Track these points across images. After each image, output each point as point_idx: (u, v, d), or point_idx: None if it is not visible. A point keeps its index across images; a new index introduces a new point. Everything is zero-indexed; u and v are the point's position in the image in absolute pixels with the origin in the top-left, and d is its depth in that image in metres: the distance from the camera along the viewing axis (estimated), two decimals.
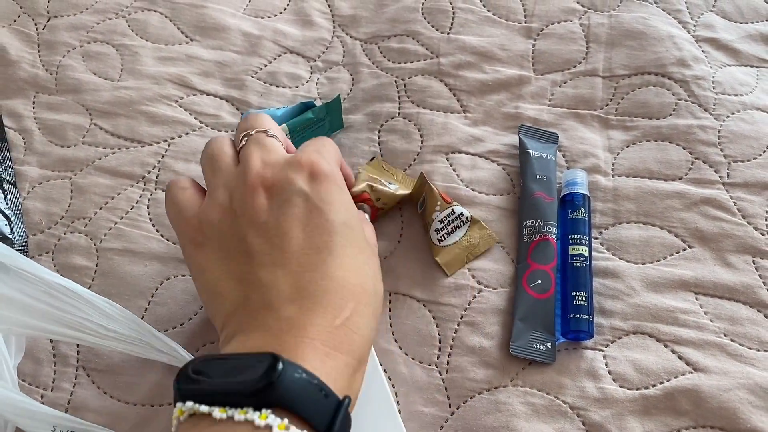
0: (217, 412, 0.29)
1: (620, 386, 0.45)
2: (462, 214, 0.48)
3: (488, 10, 0.59)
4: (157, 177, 0.52)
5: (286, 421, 0.29)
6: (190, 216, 0.38)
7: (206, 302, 0.38)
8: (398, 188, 0.49)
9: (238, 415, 0.29)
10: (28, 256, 0.48)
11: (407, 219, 0.50)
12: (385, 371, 0.45)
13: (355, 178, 0.47)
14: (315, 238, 0.35)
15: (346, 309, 0.33)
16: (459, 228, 0.48)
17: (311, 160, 0.37)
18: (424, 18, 0.58)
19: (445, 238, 0.48)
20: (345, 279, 0.34)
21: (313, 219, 0.35)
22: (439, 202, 0.48)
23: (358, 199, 0.47)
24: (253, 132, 0.39)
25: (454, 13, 0.58)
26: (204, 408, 0.30)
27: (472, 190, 0.51)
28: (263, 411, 0.29)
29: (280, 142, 0.40)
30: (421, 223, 0.49)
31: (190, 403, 0.30)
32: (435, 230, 0.48)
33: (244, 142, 0.39)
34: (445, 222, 0.48)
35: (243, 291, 0.35)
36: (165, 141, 0.53)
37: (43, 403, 0.43)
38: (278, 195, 0.36)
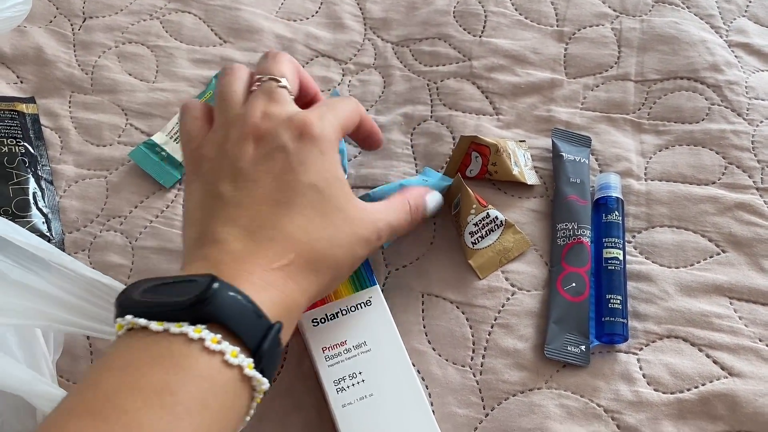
0: (155, 325, 0.31)
1: (655, 390, 0.45)
2: (497, 217, 0.48)
3: (520, 14, 0.59)
4: None
5: (219, 336, 0.31)
6: (193, 147, 0.41)
7: (183, 228, 0.40)
8: (519, 172, 0.50)
9: (174, 327, 0.31)
10: None
11: (440, 221, 0.50)
12: (418, 372, 0.45)
13: (496, 140, 0.50)
14: (279, 193, 0.37)
15: (284, 258, 0.36)
16: (493, 231, 0.48)
17: (305, 120, 0.39)
18: (456, 21, 0.58)
19: (479, 242, 0.48)
20: (292, 234, 0.36)
21: (285, 176, 0.38)
22: (474, 205, 0.48)
23: (476, 148, 0.49)
24: (266, 78, 0.41)
25: (486, 16, 0.58)
26: (142, 321, 0.31)
27: (505, 192, 0.51)
28: (198, 326, 0.31)
29: (290, 92, 0.41)
30: (454, 224, 0.50)
31: (129, 317, 0.32)
32: (469, 233, 0.48)
33: (255, 87, 0.41)
34: (480, 225, 0.48)
35: (205, 225, 0.37)
36: None
37: None
38: (263, 147, 0.38)
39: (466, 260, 0.48)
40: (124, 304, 0.33)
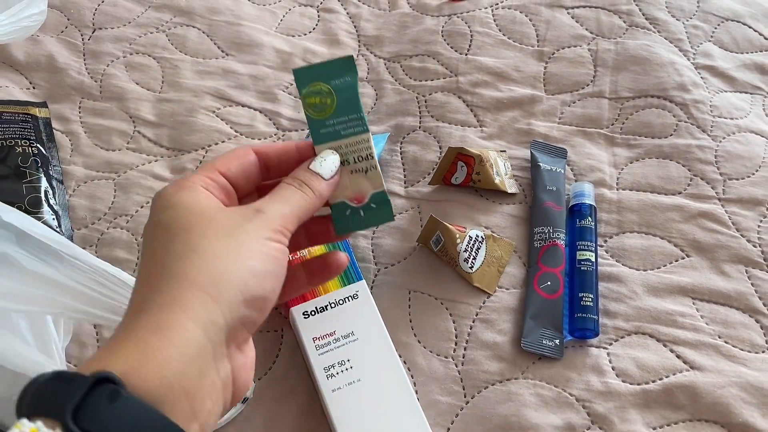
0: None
1: (623, 381, 0.48)
2: (477, 236, 0.52)
3: (503, 34, 0.63)
4: None
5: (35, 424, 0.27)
6: None
7: None
8: (500, 181, 0.54)
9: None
10: None
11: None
12: (404, 362, 0.49)
13: (481, 151, 0.54)
14: None
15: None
16: (480, 249, 0.52)
17: None
18: (444, 40, 0.63)
19: (474, 263, 0.51)
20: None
21: None
22: (457, 235, 0.51)
23: (462, 158, 0.53)
24: None
25: (472, 36, 0.63)
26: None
27: (487, 199, 0.55)
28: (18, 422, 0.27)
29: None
30: (443, 260, 0.52)
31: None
32: (464, 260, 0.51)
33: None
34: (469, 249, 0.51)
35: None
36: (203, 148, 0.57)
37: None
38: None
39: (471, 285, 0.52)
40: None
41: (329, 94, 0.38)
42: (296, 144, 0.40)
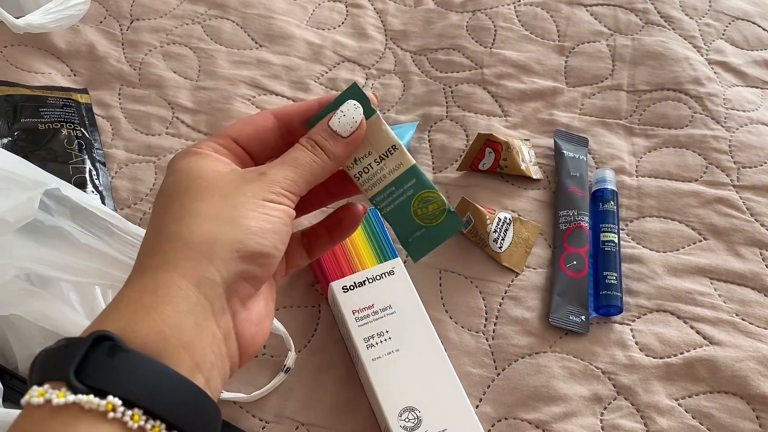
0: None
1: (646, 355, 0.51)
2: (506, 218, 0.54)
3: (526, 30, 0.66)
4: None
5: (42, 388, 0.28)
6: None
7: None
8: (526, 167, 0.57)
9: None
10: None
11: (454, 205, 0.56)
12: None
13: (508, 138, 0.57)
14: None
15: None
16: (508, 230, 0.54)
17: None
18: (469, 34, 0.65)
19: (503, 243, 0.54)
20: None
21: None
22: (487, 216, 0.54)
23: (490, 145, 0.56)
24: None
25: (495, 30, 0.66)
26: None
27: (513, 184, 0.58)
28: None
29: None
30: (472, 241, 0.55)
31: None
32: (493, 240, 0.54)
33: None
34: (498, 230, 0.54)
35: None
36: None
37: None
38: None
39: (500, 264, 0.54)
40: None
41: (440, 216, 0.41)
42: (318, 100, 0.38)
